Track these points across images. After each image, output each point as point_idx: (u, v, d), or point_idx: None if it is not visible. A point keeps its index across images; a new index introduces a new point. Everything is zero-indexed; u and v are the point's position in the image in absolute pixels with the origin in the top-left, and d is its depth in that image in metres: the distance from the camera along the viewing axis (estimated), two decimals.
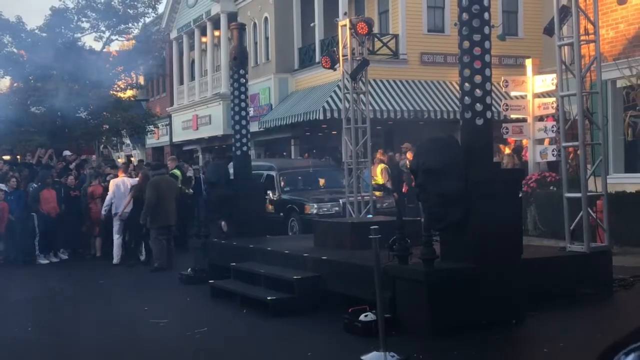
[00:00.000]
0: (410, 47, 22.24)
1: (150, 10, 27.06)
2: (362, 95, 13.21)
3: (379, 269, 6.56)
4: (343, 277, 8.53)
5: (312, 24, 24.64)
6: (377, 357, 6.22)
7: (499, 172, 8.24)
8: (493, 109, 8.19)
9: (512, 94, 15.41)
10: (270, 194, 16.10)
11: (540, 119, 14.79)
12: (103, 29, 26.43)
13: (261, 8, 26.80)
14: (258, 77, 25.96)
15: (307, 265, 9.30)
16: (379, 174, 16.46)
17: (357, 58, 12.82)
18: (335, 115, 20.14)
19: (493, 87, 8.67)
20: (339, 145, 19.68)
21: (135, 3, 26.27)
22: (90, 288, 11.67)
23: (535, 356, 6.74)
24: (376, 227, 6.48)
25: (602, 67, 10.11)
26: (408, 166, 13.33)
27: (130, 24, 26.90)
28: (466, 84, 7.59)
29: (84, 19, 26.04)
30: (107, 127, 26.33)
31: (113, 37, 27.07)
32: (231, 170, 13.19)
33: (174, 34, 34.02)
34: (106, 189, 14.89)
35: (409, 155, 15.52)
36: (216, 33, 30.57)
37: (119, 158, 35.06)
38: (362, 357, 6.27)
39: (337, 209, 14.78)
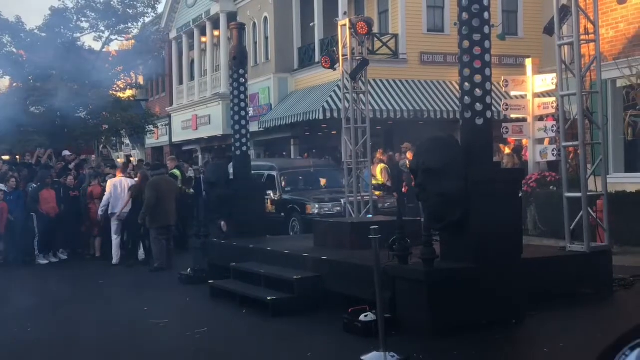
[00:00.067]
0: (410, 47, 22.24)
1: (149, 10, 27.09)
2: (361, 95, 13.20)
3: (379, 269, 6.55)
4: (343, 277, 8.53)
5: (311, 24, 24.63)
6: (377, 357, 6.22)
7: (499, 172, 8.23)
8: (493, 108, 8.18)
9: (512, 93, 15.40)
10: (272, 194, 16.09)
11: (540, 118, 14.78)
12: (102, 28, 26.44)
13: (261, 8, 26.79)
14: (258, 77, 25.96)
15: (307, 265, 9.30)
16: (378, 174, 16.45)
17: (357, 58, 12.82)
18: (335, 115, 20.13)
19: (493, 87, 8.66)
20: (338, 145, 19.68)
21: (135, 3, 26.27)
22: (90, 288, 11.66)
23: (535, 356, 6.74)
24: (376, 227, 6.48)
25: (602, 66, 10.11)
26: (408, 166, 13.32)
27: (129, 24, 26.90)
28: (466, 84, 7.59)
29: (83, 19, 26.04)
30: (107, 127, 26.33)
31: (112, 37, 27.09)
32: (231, 170, 13.19)
33: (173, 34, 34.01)
34: (105, 189, 14.88)
35: (409, 155, 15.51)
36: (216, 33, 30.56)
37: (118, 158, 35.03)
38: (362, 357, 6.26)
39: (338, 209, 14.77)
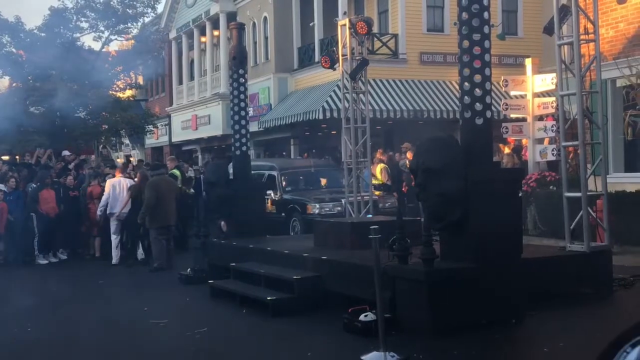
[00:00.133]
0: (410, 47, 22.24)
1: (149, 10, 27.07)
2: (361, 95, 13.20)
3: (379, 268, 6.55)
4: (343, 277, 8.53)
5: (311, 24, 24.63)
6: (377, 357, 6.22)
7: (498, 172, 8.24)
8: (493, 108, 8.18)
9: (512, 93, 15.40)
10: (272, 194, 16.08)
11: (540, 118, 14.78)
12: (102, 28, 26.43)
13: (260, 8, 26.79)
14: (257, 76, 25.96)
15: (307, 265, 9.30)
16: (378, 174, 16.45)
17: (357, 58, 12.82)
18: (335, 115, 20.13)
19: (493, 87, 8.66)
20: (338, 145, 19.68)
21: (134, 3, 26.25)
22: (90, 288, 11.65)
23: (535, 356, 6.74)
24: (376, 227, 6.48)
25: (602, 66, 10.10)
26: (408, 166, 13.33)
27: (129, 24, 26.89)
28: (466, 84, 7.59)
29: (83, 19, 26.03)
30: (106, 127, 26.32)
31: (112, 37, 27.08)
32: (231, 170, 13.19)
33: (173, 34, 34.01)
34: (104, 189, 14.88)
35: (409, 155, 15.51)
36: (215, 33, 30.56)
37: (118, 158, 35.02)
38: (362, 357, 6.26)
39: (339, 208, 14.75)
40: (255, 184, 13.65)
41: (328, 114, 20.84)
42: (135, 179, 14.70)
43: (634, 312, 8.01)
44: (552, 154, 13.84)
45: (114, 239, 14.43)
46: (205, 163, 27.11)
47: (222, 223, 12.99)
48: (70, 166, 17.82)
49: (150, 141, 37.61)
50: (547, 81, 14.23)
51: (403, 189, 16.86)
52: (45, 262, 14.79)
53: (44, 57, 22.80)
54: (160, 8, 30.83)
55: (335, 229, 10.24)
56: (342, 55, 13.08)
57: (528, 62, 14.88)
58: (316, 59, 22.93)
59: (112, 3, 25.91)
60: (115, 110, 25.71)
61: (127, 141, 37.01)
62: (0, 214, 14.44)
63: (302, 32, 25.65)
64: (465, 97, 7.60)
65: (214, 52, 31.28)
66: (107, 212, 14.39)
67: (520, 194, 8.26)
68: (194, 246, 12.29)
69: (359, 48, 12.92)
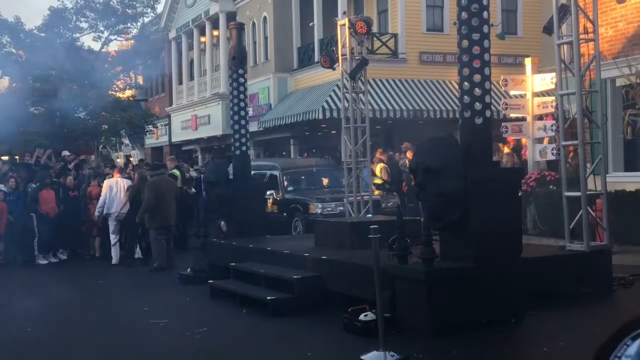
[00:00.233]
0: (410, 47, 22.23)
1: (148, 10, 27.08)
2: (361, 95, 13.20)
3: (379, 268, 6.56)
4: (343, 277, 8.53)
5: (311, 24, 24.63)
6: (377, 356, 6.22)
7: (498, 171, 8.24)
8: (492, 107, 8.18)
9: (512, 92, 15.41)
10: (274, 194, 16.06)
11: (540, 117, 14.79)
12: (102, 29, 26.42)
13: (260, 7, 26.79)
14: (257, 76, 25.95)
15: (307, 265, 9.30)
16: (378, 174, 16.45)
17: (356, 57, 12.82)
18: (335, 114, 20.13)
19: (492, 86, 8.66)
20: (338, 144, 19.68)
21: (134, 3, 26.26)
22: (90, 288, 11.66)
23: (535, 355, 6.74)
24: (376, 226, 6.48)
25: (602, 65, 10.11)
26: (407, 165, 13.34)
27: (129, 24, 26.88)
28: (465, 83, 7.59)
29: (82, 19, 26.03)
30: (106, 127, 26.31)
31: (112, 37, 27.07)
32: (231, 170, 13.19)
33: (172, 34, 34.00)
34: None
35: (409, 154, 15.52)
36: (215, 33, 30.55)
37: (118, 158, 35.01)
38: (362, 357, 6.27)
39: (341, 208, 14.69)
40: (255, 184, 13.64)
41: (328, 114, 20.84)
42: (134, 179, 14.71)
43: (633, 312, 8.02)
44: (552, 154, 13.84)
45: (113, 239, 14.44)
46: (206, 163, 27.11)
47: (222, 223, 12.99)
48: (70, 166, 17.82)
49: (150, 141, 37.60)
50: (546, 80, 14.23)
51: (403, 189, 16.87)
52: (45, 262, 14.80)
53: (43, 58, 22.78)
54: (159, 8, 30.88)
55: (335, 228, 10.24)
56: (342, 55, 13.09)
57: (527, 61, 14.88)
58: (316, 59, 22.92)
59: (111, 3, 25.92)
60: (115, 110, 25.71)
61: (127, 141, 36.99)
62: (0, 214, 14.44)
63: (301, 32, 25.64)
64: (465, 97, 7.60)
65: (213, 52, 31.27)
66: (105, 212, 14.41)
67: (519, 194, 8.26)
68: (194, 246, 12.29)
69: (358, 48, 12.92)
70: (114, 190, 14.41)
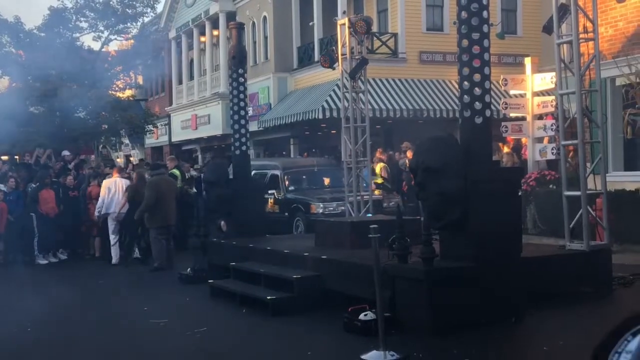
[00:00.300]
0: (409, 46, 22.23)
1: (148, 9, 27.05)
2: (361, 94, 13.20)
3: (379, 268, 6.56)
4: (343, 277, 8.53)
5: (310, 23, 24.62)
6: (377, 356, 6.22)
7: (498, 171, 8.24)
8: (492, 107, 8.18)
9: (512, 92, 15.41)
10: (275, 194, 16.05)
11: (540, 117, 14.79)
12: (102, 28, 26.40)
13: (260, 7, 26.79)
14: (257, 76, 25.94)
15: (307, 264, 9.30)
16: (378, 173, 16.45)
17: (356, 57, 12.82)
18: (335, 114, 20.13)
19: (492, 86, 8.66)
20: (338, 144, 19.66)
21: (134, 3, 26.23)
22: (90, 288, 11.66)
23: (535, 354, 6.74)
24: (375, 226, 6.48)
25: (601, 65, 10.11)
26: (407, 165, 13.33)
27: (128, 24, 26.87)
28: (465, 83, 7.59)
29: (82, 19, 26.01)
30: (106, 127, 26.30)
31: (112, 37, 27.04)
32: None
33: (172, 34, 34.00)
34: None
35: (409, 154, 15.51)
36: (215, 32, 30.55)
37: (118, 158, 35.02)
38: (362, 356, 6.27)
39: (343, 208, 14.69)
40: (255, 183, 13.65)
41: (328, 114, 20.84)
42: (133, 179, 14.71)
43: (634, 309, 8.02)
44: (552, 153, 13.84)
45: (113, 239, 14.44)
46: (206, 163, 27.11)
47: (222, 223, 12.99)
48: (70, 166, 17.81)
49: (150, 141, 37.59)
50: (546, 80, 14.23)
51: (403, 188, 16.87)
52: (45, 262, 14.80)
53: (43, 57, 22.78)
54: (159, 8, 30.86)
55: (335, 228, 10.24)
56: (342, 55, 13.09)
57: (527, 61, 14.88)
58: (316, 59, 22.91)
59: (111, 3, 25.90)
60: (115, 110, 25.69)
61: (127, 141, 36.99)
62: (0, 214, 14.44)
63: (301, 31, 25.64)
64: (465, 96, 7.60)
65: (213, 52, 31.27)
66: (103, 212, 14.41)
67: (519, 193, 8.26)
68: (194, 246, 12.29)
69: (358, 47, 12.93)
70: (112, 190, 14.42)
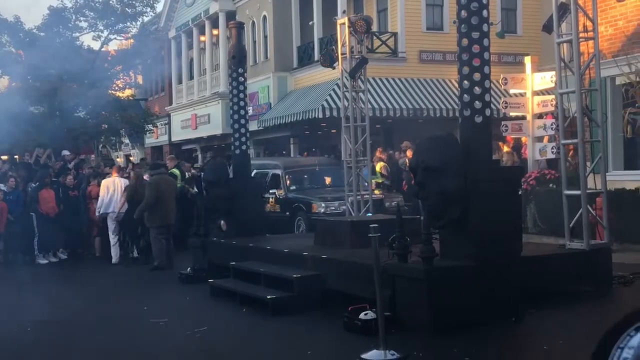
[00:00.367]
0: (409, 45, 22.22)
1: (148, 9, 27.02)
2: (361, 94, 13.20)
3: (379, 267, 6.56)
4: (343, 276, 8.53)
5: (310, 23, 24.62)
6: (377, 355, 6.22)
7: (498, 170, 8.24)
8: (492, 106, 8.18)
9: (512, 91, 15.41)
10: (276, 193, 16.04)
11: (540, 116, 14.79)
12: (101, 28, 26.38)
13: (260, 6, 26.78)
14: (257, 75, 25.94)
15: (307, 263, 9.30)
16: (378, 172, 16.45)
17: (356, 56, 12.82)
18: (335, 113, 20.13)
19: (492, 85, 8.66)
20: (338, 143, 19.67)
21: (134, 2, 26.20)
22: (90, 288, 11.66)
23: (535, 353, 6.74)
24: (375, 225, 6.48)
25: (601, 64, 10.10)
26: (407, 164, 13.33)
27: (128, 23, 26.85)
28: (465, 82, 7.59)
29: (82, 18, 25.99)
30: (106, 126, 26.29)
31: (111, 37, 27.01)
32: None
33: (172, 33, 33.99)
34: None
35: (409, 153, 15.52)
36: (215, 32, 30.55)
37: (117, 157, 35.04)
38: (362, 356, 6.27)
39: (344, 207, 14.69)
40: (255, 183, 13.64)
41: (328, 113, 20.83)
42: (131, 179, 14.70)
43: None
44: (552, 152, 13.84)
45: (113, 238, 14.44)
46: (206, 162, 27.10)
47: (222, 222, 12.98)
48: (70, 166, 17.81)
49: (150, 140, 37.59)
50: (546, 79, 14.23)
51: (403, 188, 16.87)
52: (45, 262, 14.80)
53: (43, 57, 22.77)
54: (159, 7, 30.86)
55: (335, 227, 10.24)
56: (342, 54, 13.09)
57: (527, 60, 14.88)
58: (315, 58, 22.91)
59: (111, 2, 25.87)
60: (115, 110, 25.69)
61: (126, 141, 36.99)
62: (0, 214, 14.44)
63: (301, 31, 25.63)
64: (465, 95, 7.60)
65: (213, 51, 31.27)
66: (102, 211, 14.40)
67: (519, 192, 8.26)
68: (194, 245, 12.29)
69: (358, 47, 12.93)
70: (111, 189, 14.42)
